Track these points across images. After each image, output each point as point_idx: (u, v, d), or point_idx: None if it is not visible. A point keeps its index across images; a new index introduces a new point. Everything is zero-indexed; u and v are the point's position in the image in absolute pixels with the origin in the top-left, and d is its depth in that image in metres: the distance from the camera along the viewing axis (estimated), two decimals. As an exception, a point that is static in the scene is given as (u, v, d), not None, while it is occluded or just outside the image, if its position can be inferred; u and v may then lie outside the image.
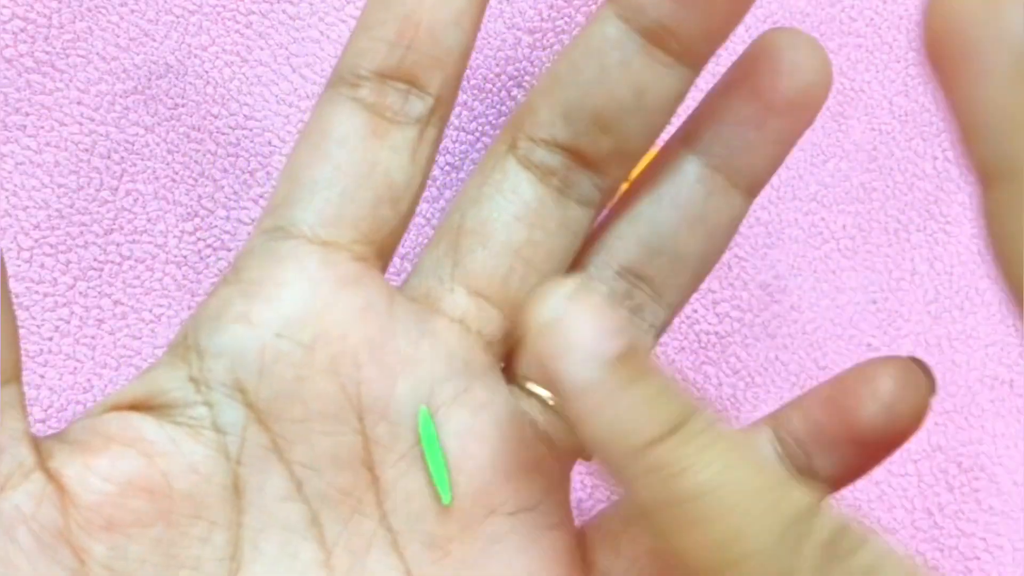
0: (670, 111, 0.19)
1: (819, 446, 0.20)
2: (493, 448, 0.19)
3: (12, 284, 0.36)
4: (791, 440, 0.21)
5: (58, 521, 0.16)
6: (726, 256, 0.40)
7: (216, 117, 0.38)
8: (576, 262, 0.20)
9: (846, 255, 0.42)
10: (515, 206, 0.19)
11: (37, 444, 0.17)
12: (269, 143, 0.38)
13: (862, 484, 0.40)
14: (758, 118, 0.19)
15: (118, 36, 0.37)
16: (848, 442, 0.20)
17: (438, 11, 0.18)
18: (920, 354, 0.42)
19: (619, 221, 0.20)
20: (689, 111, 0.20)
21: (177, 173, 0.38)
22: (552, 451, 0.20)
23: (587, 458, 0.21)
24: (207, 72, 0.39)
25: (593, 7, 0.40)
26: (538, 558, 0.19)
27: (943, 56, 0.14)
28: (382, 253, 0.19)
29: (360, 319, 0.18)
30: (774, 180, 0.41)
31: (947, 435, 0.41)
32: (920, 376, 0.20)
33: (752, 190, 0.20)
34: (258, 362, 0.18)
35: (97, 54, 0.37)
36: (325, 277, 0.18)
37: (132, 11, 0.38)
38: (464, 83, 0.39)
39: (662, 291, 0.20)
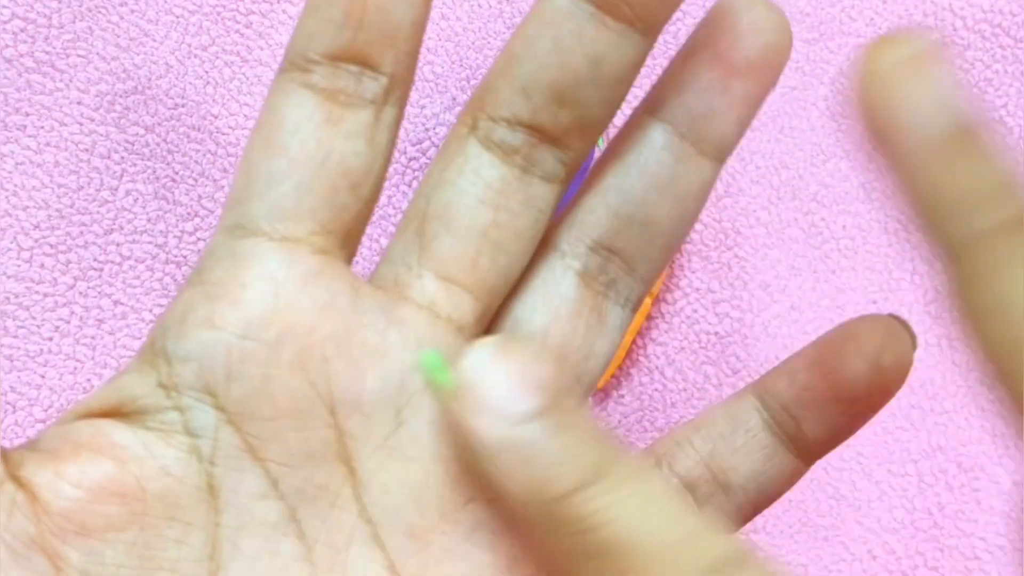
0: (628, 80, 0.19)
1: (807, 409, 0.20)
2: None
3: (12, 284, 0.36)
4: (778, 406, 0.21)
5: (31, 529, 0.16)
6: (726, 256, 0.40)
7: (216, 117, 0.38)
8: (547, 240, 0.20)
9: (846, 255, 0.42)
10: (478, 188, 0.19)
11: (5, 455, 0.17)
12: (269, 143, 0.38)
13: (862, 484, 0.40)
14: (721, 82, 0.19)
15: (118, 36, 0.37)
16: (836, 401, 0.20)
17: None
18: (920, 354, 0.42)
19: (588, 195, 0.20)
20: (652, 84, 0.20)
21: (177, 173, 0.38)
22: None
23: None
24: (207, 72, 0.39)
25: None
26: (521, 542, 0.19)
27: (878, 132, 0.14)
28: (346, 242, 0.19)
29: (325, 313, 0.18)
30: (774, 180, 0.41)
31: (947, 435, 0.41)
32: (903, 332, 0.20)
33: (720, 155, 0.20)
34: (225, 364, 0.18)
35: (97, 54, 0.37)
36: (287, 274, 0.18)
37: (132, 11, 0.38)
38: (464, 83, 0.39)
39: (635, 263, 0.20)
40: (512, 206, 0.19)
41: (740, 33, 0.19)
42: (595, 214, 0.20)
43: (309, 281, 0.18)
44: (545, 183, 0.19)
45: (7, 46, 0.37)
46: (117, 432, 0.17)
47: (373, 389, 0.18)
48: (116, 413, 0.18)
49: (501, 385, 0.17)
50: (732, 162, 0.41)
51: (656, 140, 0.20)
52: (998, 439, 0.41)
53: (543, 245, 0.20)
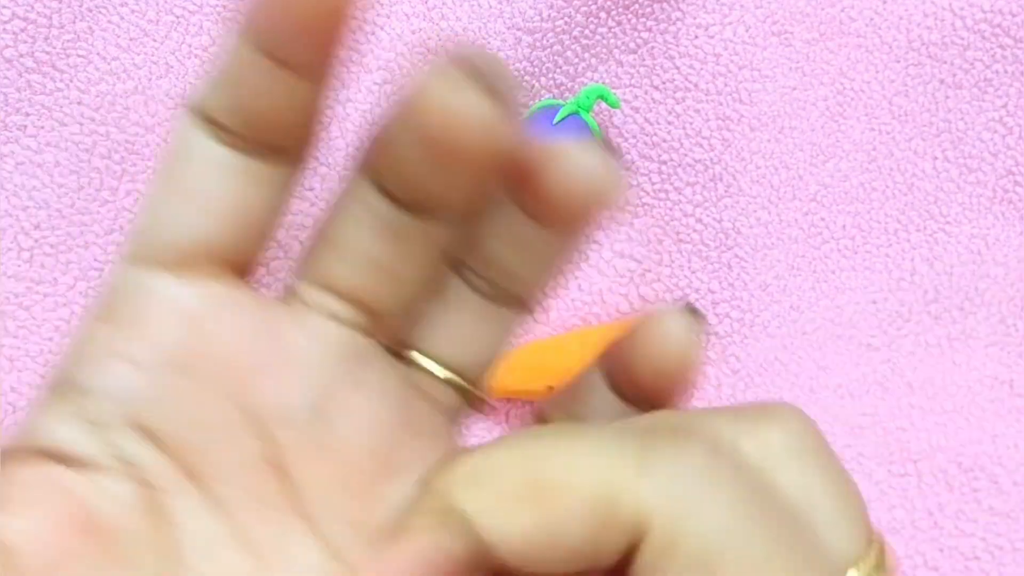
0: (493, 161, 0.20)
1: (627, 389, 0.22)
2: (391, 423, 0.20)
3: (12, 284, 0.36)
4: (613, 381, 0.22)
5: None
6: (726, 256, 0.40)
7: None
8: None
9: (846, 255, 0.42)
10: (373, 222, 0.20)
11: None
12: (269, 143, 0.39)
13: (862, 484, 0.40)
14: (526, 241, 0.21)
15: (118, 36, 0.38)
16: (635, 390, 0.22)
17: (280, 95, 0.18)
18: (920, 355, 0.42)
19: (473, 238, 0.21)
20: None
21: (177, 173, 0.38)
22: (445, 414, 0.21)
23: (479, 411, 0.23)
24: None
25: (593, 7, 0.40)
26: None
27: None
28: (247, 269, 0.20)
29: (237, 333, 0.19)
30: (774, 180, 0.41)
31: (947, 435, 0.41)
32: (693, 319, 0.21)
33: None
34: (146, 396, 0.18)
35: (97, 54, 0.37)
36: (195, 302, 0.19)
37: (132, 11, 0.38)
38: (464, 83, 0.39)
39: (517, 279, 0.22)
40: (409, 238, 0.20)
41: (550, 188, 0.19)
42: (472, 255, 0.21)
43: (217, 306, 0.19)
44: (437, 221, 0.20)
45: (7, 46, 0.37)
46: (59, 474, 0.18)
47: (297, 397, 0.19)
48: (48, 452, 0.18)
49: None
50: (732, 162, 0.41)
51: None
52: (998, 439, 0.41)
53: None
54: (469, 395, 0.22)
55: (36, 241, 0.36)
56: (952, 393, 0.42)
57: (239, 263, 0.20)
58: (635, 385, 0.22)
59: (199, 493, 0.19)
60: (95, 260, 0.37)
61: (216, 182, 0.19)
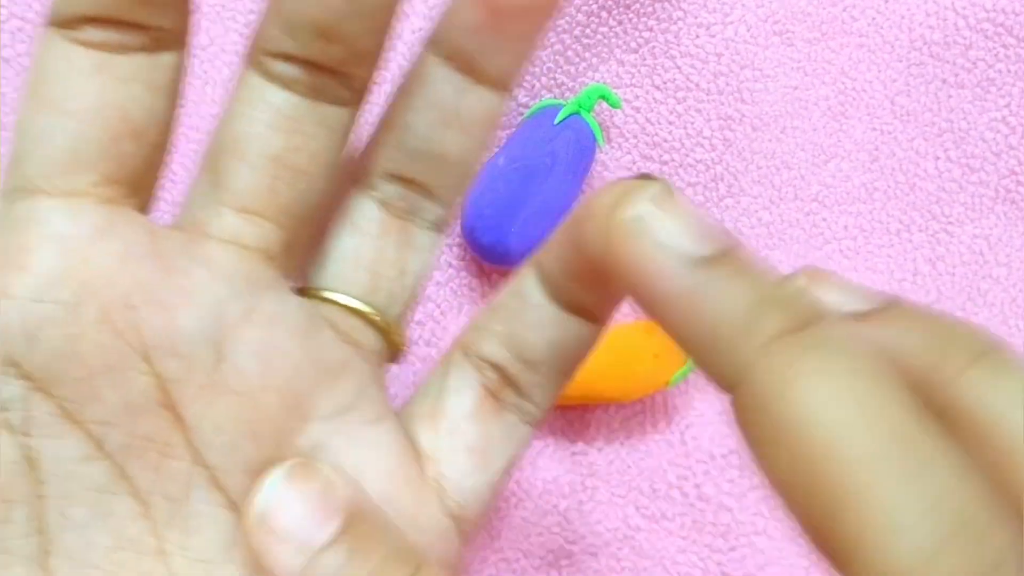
0: (390, 6, 0.18)
1: (573, 281, 0.20)
2: (295, 358, 0.18)
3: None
4: (553, 278, 0.20)
5: None
6: (727, 256, 0.40)
7: (216, 117, 0.38)
8: (347, 175, 0.20)
9: (848, 255, 0.42)
10: (267, 115, 0.18)
11: None
12: (269, 143, 0.38)
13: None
14: (490, 25, 0.18)
15: (117, 36, 0.37)
16: (591, 275, 0.20)
17: None
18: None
19: (380, 131, 0.20)
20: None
21: (176, 173, 0.38)
22: (358, 352, 0.20)
23: (394, 360, 0.21)
24: (207, 72, 0.39)
25: (593, 6, 0.40)
26: (366, 453, 0.19)
27: (634, 276, 0.14)
28: (137, 190, 0.18)
29: (123, 263, 0.17)
30: (775, 180, 0.41)
31: (949, 436, 0.41)
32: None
33: (502, 86, 0.19)
34: (22, 332, 0.17)
35: (96, 54, 0.37)
36: (74, 230, 0.17)
37: (131, 11, 0.38)
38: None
39: (431, 191, 0.20)
40: (305, 128, 0.18)
41: None
42: (386, 148, 0.20)
43: (100, 233, 0.17)
44: (336, 106, 0.18)
45: (5, 46, 0.36)
46: None
47: (187, 329, 0.18)
48: None
49: (297, 513, 0.17)
50: (733, 162, 0.41)
51: (436, 75, 0.19)
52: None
53: (344, 181, 0.20)
54: (384, 332, 0.20)
55: (34, 242, 0.36)
56: (954, 394, 0.41)
57: (130, 181, 0.18)
58: (584, 273, 0.19)
59: (79, 439, 0.17)
60: (94, 261, 0.37)
61: (78, 83, 0.17)
